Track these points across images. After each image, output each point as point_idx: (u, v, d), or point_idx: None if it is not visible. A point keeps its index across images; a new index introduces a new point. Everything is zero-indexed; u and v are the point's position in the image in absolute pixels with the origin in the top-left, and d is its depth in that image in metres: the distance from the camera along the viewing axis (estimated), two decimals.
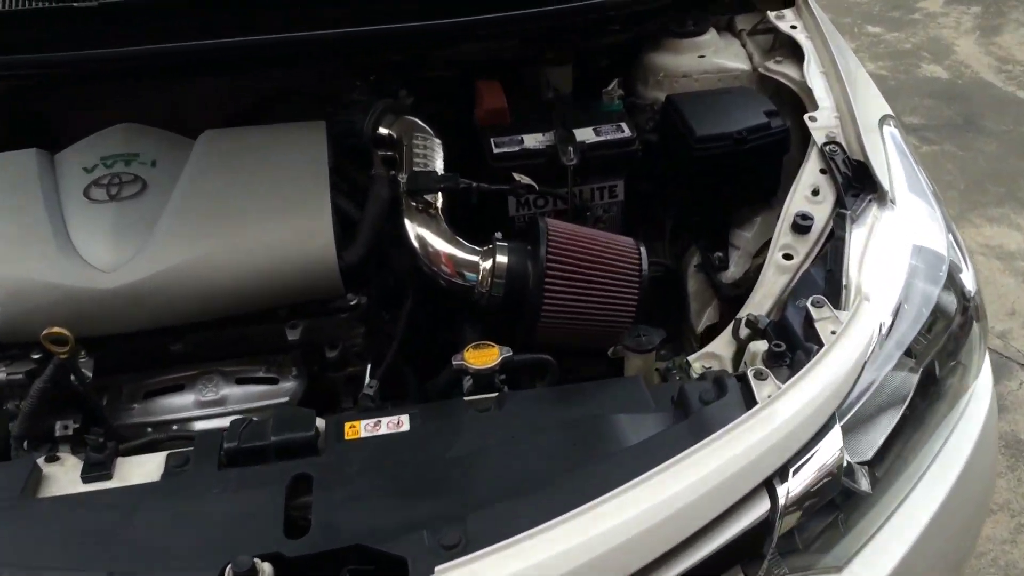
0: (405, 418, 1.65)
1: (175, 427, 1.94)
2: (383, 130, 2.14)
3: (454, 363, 1.74)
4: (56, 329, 1.69)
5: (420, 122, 2.14)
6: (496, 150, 2.11)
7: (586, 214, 2.15)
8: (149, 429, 1.92)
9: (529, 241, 1.96)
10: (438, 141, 2.10)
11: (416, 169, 1.99)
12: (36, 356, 1.81)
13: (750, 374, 1.57)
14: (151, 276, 1.80)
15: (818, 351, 1.58)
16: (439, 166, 2.04)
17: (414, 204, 1.94)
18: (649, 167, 2.26)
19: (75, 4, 2.10)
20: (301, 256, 1.85)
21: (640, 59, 2.45)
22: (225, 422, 1.93)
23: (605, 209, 2.21)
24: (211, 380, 1.97)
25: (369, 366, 2.09)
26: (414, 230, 1.93)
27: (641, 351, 1.80)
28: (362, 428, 1.64)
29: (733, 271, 2.30)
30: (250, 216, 1.88)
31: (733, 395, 1.55)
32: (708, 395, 1.57)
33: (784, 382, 1.55)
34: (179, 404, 1.95)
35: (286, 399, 1.98)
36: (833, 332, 1.62)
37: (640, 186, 2.26)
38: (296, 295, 1.89)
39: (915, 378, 1.78)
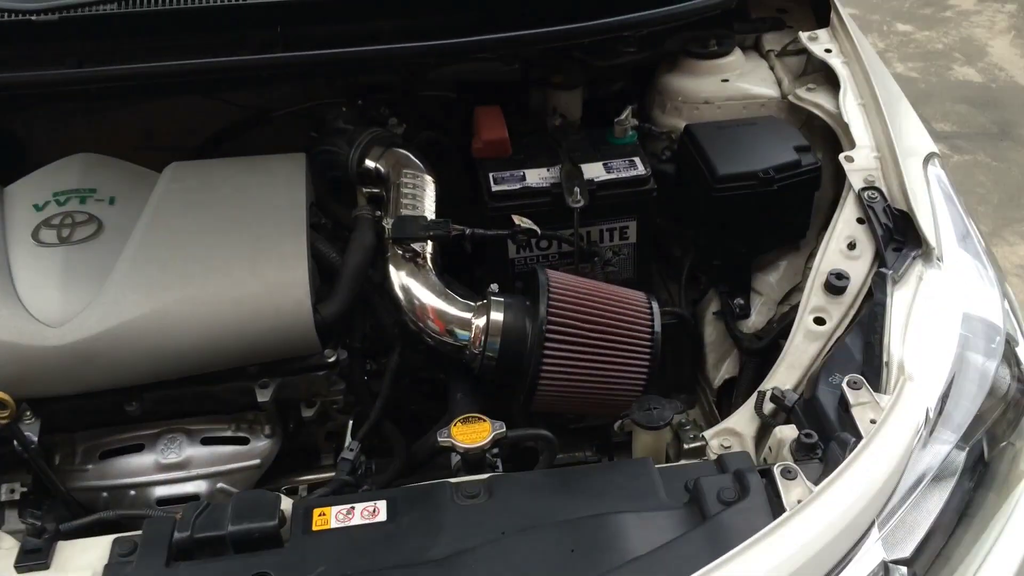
0: (382, 505, 1.45)
1: (132, 492, 1.75)
2: (370, 163, 1.93)
3: (439, 440, 1.54)
4: None
5: (411, 156, 1.93)
6: (495, 187, 1.90)
7: (594, 259, 1.94)
8: (104, 494, 1.74)
9: (528, 294, 1.76)
10: (429, 179, 1.89)
11: (403, 213, 1.78)
12: None
13: (776, 471, 1.36)
14: (104, 332, 1.60)
15: (855, 444, 1.38)
16: (430, 207, 1.83)
17: (400, 252, 1.73)
18: (665, 201, 2.04)
19: (33, 19, 1.89)
20: (273, 311, 1.66)
21: (656, 82, 2.23)
22: (187, 488, 1.78)
23: (615, 252, 2.00)
24: (174, 440, 1.78)
25: (351, 423, 1.91)
26: (399, 281, 1.73)
27: (652, 427, 1.60)
28: (333, 516, 1.44)
29: (755, 320, 2.09)
30: (216, 265, 1.68)
31: (757, 497, 1.34)
32: (728, 494, 1.36)
33: (815, 481, 1.34)
34: (138, 466, 1.76)
35: (257, 461, 1.79)
36: (873, 421, 1.41)
37: (655, 221, 2.05)
38: (267, 353, 1.70)
39: (962, 456, 1.57)
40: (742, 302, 2.07)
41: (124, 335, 1.61)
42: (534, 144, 2.02)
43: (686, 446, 1.98)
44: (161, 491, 1.76)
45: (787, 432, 1.48)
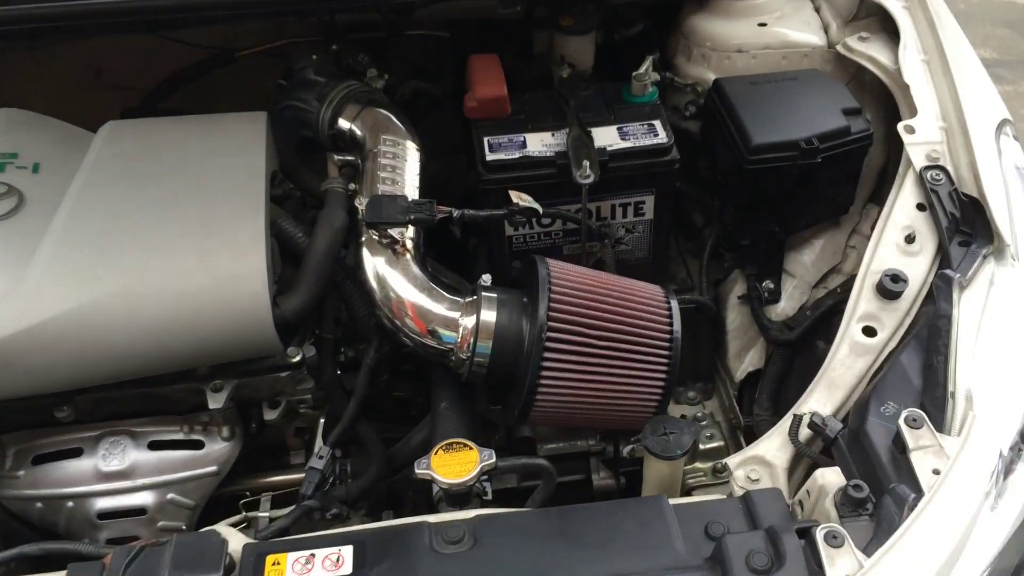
0: (348, 552, 1.23)
1: (70, 504, 1.53)
2: (344, 124, 1.65)
3: (418, 471, 1.31)
4: None
5: (393, 117, 1.64)
6: (490, 155, 1.62)
7: (604, 240, 1.67)
8: (39, 504, 1.53)
9: (525, 286, 1.50)
10: (413, 146, 1.61)
11: (381, 190, 1.51)
12: None
13: (819, 536, 1.12)
14: (23, 331, 1.35)
15: (915, 502, 1.14)
16: (412, 182, 1.56)
17: (376, 237, 1.47)
18: (686, 162, 1.75)
19: None
20: (224, 307, 1.40)
21: (681, 24, 1.92)
22: (133, 499, 1.55)
23: (628, 229, 1.73)
24: (117, 444, 1.55)
25: (322, 421, 1.68)
26: (373, 270, 1.47)
27: (667, 457, 1.36)
28: (289, 567, 1.22)
29: (785, 305, 1.83)
30: (159, 250, 1.41)
31: (794, 567, 1.11)
32: (759, 559, 1.13)
33: (865, 549, 1.12)
34: (76, 474, 1.54)
35: (213, 468, 1.57)
36: (936, 472, 1.17)
37: (674, 194, 1.77)
38: (220, 355, 1.45)
39: None
40: (772, 286, 1.81)
41: (48, 335, 1.36)
42: (537, 101, 1.73)
43: (701, 446, 1.78)
44: (103, 503, 1.54)
45: (830, 478, 1.24)
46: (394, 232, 1.43)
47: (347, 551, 1.22)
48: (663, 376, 1.44)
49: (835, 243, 1.84)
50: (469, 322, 1.44)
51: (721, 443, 1.81)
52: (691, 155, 1.79)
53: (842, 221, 1.84)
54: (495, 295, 1.46)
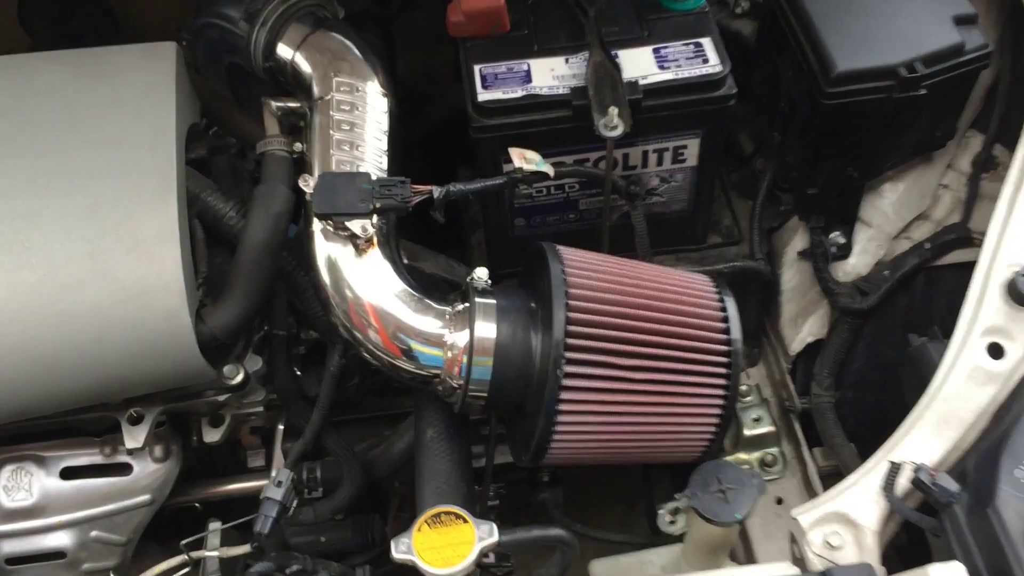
0: None
1: None
2: (284, 52, 1.22)
3: (396, 555, 1.00)
4: None
5: (350, 43, 1.21)
6: (483, 93, 1.20)
7: (634, 200, 1.28)
8: None
9: (531, 288, 1.13)
10: (378, 89, 1.19)
11: (335, 163, 1.11)
12: None
13: None
14: None
15: None
16: (377, 145, 1.15)
17: (330, 227, 1.08)
18: (737, 74, 1.33)
19: None
20: (131, 328, 1.05)
21: None
22: (47, 541, 1.25)
23: (664, 178, 1.33)
24: (21, 473, 1.25)
25: (281, 428, 1.36)
26: (328, 271, 1.09)
27: (720, 523, 1.04)
28: None
29: (857, 261, 1.47)
30: (33, 254, 1.04)
31: None
32: None
33: None
34: None
35: (146, 497, 1.27)
36: None
37: (720, 143, 1.35)
38: (128, 388, 1.11)
39: None
40: (842, 240, 1.44)
41: None
42: (545, 12, 1.29)
43: (747, 432, 1.47)
44: (11, 546, 1.26)
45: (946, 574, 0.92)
46: (354, 225, 1.05)
47: None
48: (720, 401, 1.10)
49: (924, 183, 1.45)
50: (460, 338, 1.08)
51: (771, 428, 1.49)
52: (742, 65, 1.37)
53: (935, 155, 1.44)
54: (494, 300, 1.09)
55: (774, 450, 1.50)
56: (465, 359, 1.08)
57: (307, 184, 1.04)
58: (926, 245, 1.44)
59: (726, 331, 1.12)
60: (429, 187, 1.08)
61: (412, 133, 1.59)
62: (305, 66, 1.19)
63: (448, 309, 1.10)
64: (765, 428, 1.49)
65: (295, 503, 1.28)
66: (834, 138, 1.29)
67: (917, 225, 1.47)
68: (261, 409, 1.27)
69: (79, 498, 1.24)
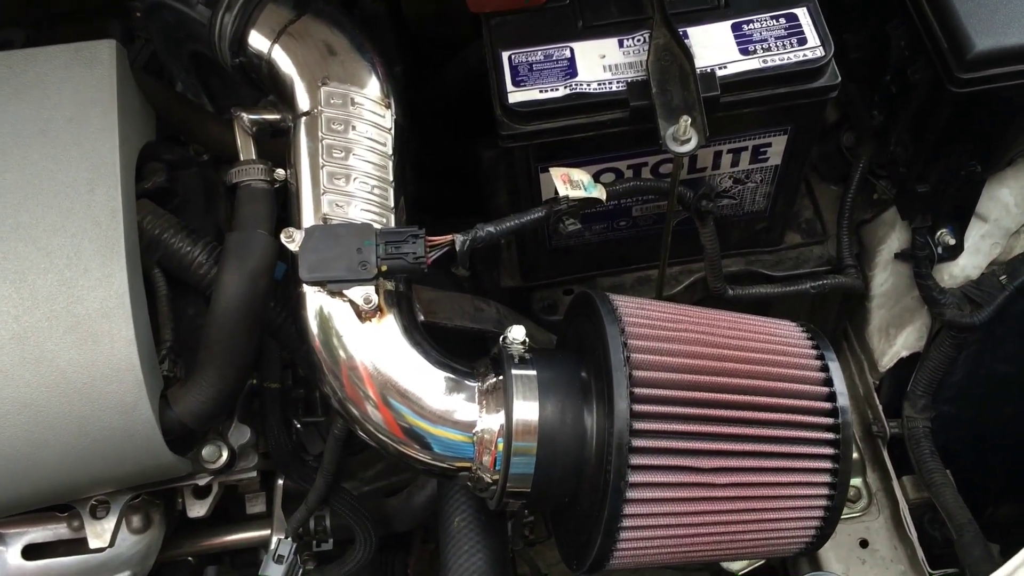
0: None
1: None
2: (257, 43, 0.94)
3: None
4: None
5: (343, 34, 0.93)
6: (514, 93, 0.93)
7: (703, 216, 1.02)
8: None
9: (577, 352, 0.90)
10: (379, 100, 0.92)
11: (326, 208, 0.85)
12: None
13: None
14: None
15: None
16: (379, 178, 0.89)
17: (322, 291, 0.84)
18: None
19: None
20: (75, 429, 0.83)
21: None
22: None
23: (739, 179, 1.07)
24: None
25: (280, 483, 1.15)
26: (323, 344, 0.86)
27: None
28: None
29: (967, 263, 1.21)
30: None
31: None
32: None
33: None
34: None
35: (126, 574, 1.06)
36: None
37: (810, 144, 1.08)
38: (81, 491, 0.90)
39: None
40: (952, 241, 1.18)
41: None
42: None
43: None
44: None
45: None
46: (353, 294, 0.80)
47: None
48: (826, 484, 0.88)
49: None
50: (494, 422, 0.85)
51: (854, 454, 1.28)
52: (834, 18, 1.08)
53: None
54: (535, 372, 0.86)
55: (857, 481, 1.29)
56: (501, 448, 0.85)
57: (292, 241, 0.80)
58: None
59: (830, 396, 0.88)
60: (449, 237, 0.83)
61: (425, 100, 1.33)
62: (286, 65, 0.92)
63: (477, 384, 0.87)
64: None
65: (300, 571, 1.10)
66: (959, 130, 1.02)
67: None
68: (255, 475, 1.06)
69: None
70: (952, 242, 1.19)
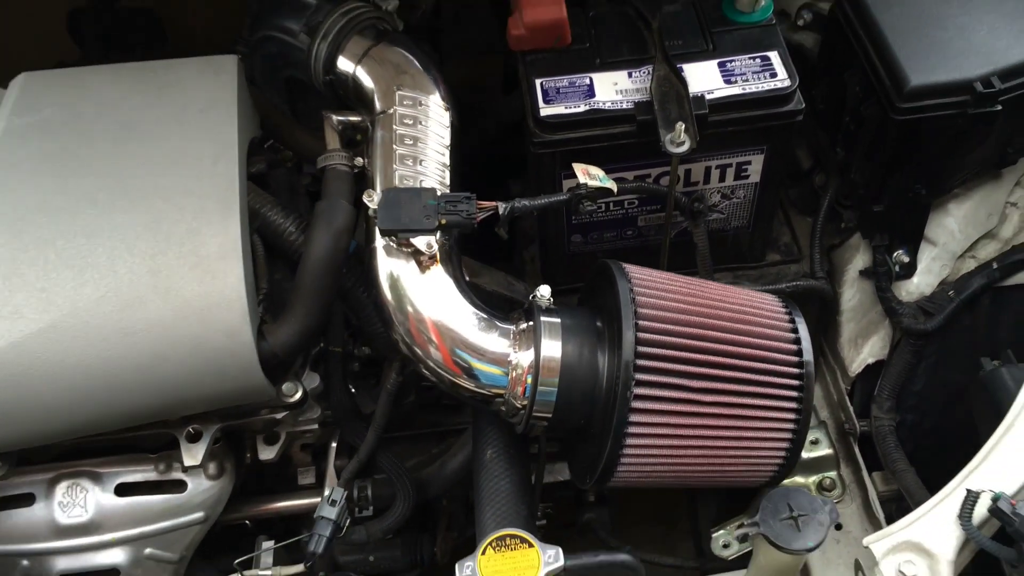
0: None
1: (25, 562, 1.24)
2: (345, 65, 1.20)
3: None
4: None
5: (412, 58, 1.20)
6: (545, 108, 1.18)
7: (697, 218, 1.25)
8: None
9: (595, 306, 1.11)
10: (440, 103, 1.17)
11: (398, 178, 1.09)
12: None
13: None
14: None
15: None
16: (439, 159, 1.13)
17: (393, 243, 1.06)
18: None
19: None
20: (193, 346, 1.04)
21: None
22: (101, 558, 1.24)
23: (726, 194, 1.31)
24: (76, 489, 1.24)
25: (334, 446, 1.34)
26: (390, 286, 1.07)
27: (791, 551, 1.01)
28: None
29: (920, 281, 1.43)
30: (96, 270, 1.03)
31: None
32: None
33: None
34: (28, 527, 1.24)
35: (199, 515, 1.26)
36: None
37: (783, 160, 1.32)
38: (189, 405, 1.10)
39: None
40: (906, 259, 1.40)
41: None
42: (606, 24, 1.27)
43: (805, 455, 1.45)
44: (66, 562, 1.25)
45: None
46: (419, 241, 1.03)
47: None
48: (791, 424, 1.07)
49: (992, 201, 1.41)
50: (525, 358, 1.06)
51: (829, 451, 1.47)
52: (803, 79, 1.34)
53: (1004, 172, 1.40)
54: (559, 319, 1.07)
55: (832, 474, 1.47)
56: (530, 379, 1.06)
57: (371, 199, 1.03)
58: (993, 265, 1.40)
59: (798, 352, 1.09)
60: (494, 203, 1.06)
61: (461, 145, 1.58)
62: (367, 80, 1.18)
63: (512, 327, 1.08)
64: (823, 451, 1.46)
65: (348, 522, 1.27)
66: (904, 155, 1.26)
67: (983, 244, 1.43)
68: (316, 427, 1.25)
69: (134, 515, 1.23)
70: (907, 260, 1.41)
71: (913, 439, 1.48)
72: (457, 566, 0.98)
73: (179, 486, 1.24)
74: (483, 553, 0.98)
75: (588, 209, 1.23)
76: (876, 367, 1.46)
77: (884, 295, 1.41)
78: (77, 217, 1.05)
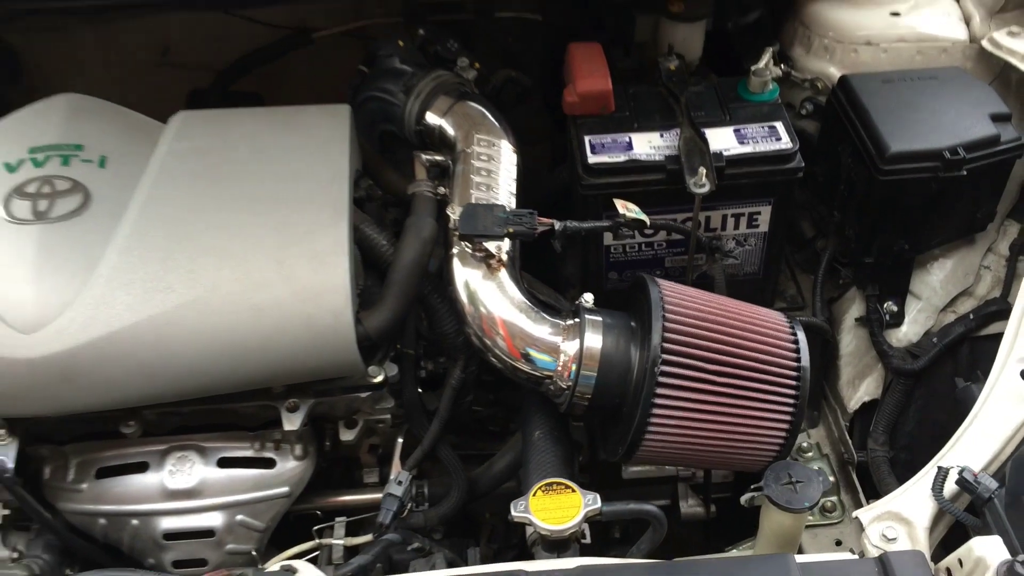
0: None
1: (135, 521, 1.45)
2: (432, 119, 1.50)
3: (514, 514, 1.18)
4: None
5: (487, 113, 1.49)
6: (592, 157, 1.46)
7: (714, 255, 1.51)
8: (102, 520, 1.44)
9: (632, 311, 1.35)
10: (509, 146, 1.46)
11: (474, 196, 1.36)
12: None
13: None
14: (88, 343, 1.25)
15: None
16: (507, 188, 1.41)
17: (468, 249, 1.33)
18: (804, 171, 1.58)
19: None
20: (304, 324, 1.28)
21: (801, 11, 1.74)
22: (201, 520, 1.45)
23: (740, 241, 1.57)
24: (184, 460, 1.45)
25: (400, 442, 1.56)
26: (465, 287, 1.33)
27: (792, 510, 1.21)
28: None
29: (908, 330, 1.66)
30: (234, 258, 1.29)
31: None
32: None
33: None
34: (141, 490, 1.45)
35: (285, 489, 1.47)
36: None
37: (788, 212, 1.59)
38: (295, 375, 1.34)
39: None
40: (895, 308, 1.64)
41: (113, 348, 1.25)
42: (643, 97, 1.57)
43: None
44: (169, 523, 1.45)
45: (989, 549, 1.08)
46: (490, 246, 1.29)
47: None
48: (789, 416, 1.29)
49: (968, 263, 1.66)
50: (571, 348, 1.29)
51: (831, 479, 1.66)
52: (806, 159, 1.62)
53: (977, 238, 1.65)
54: (600, 318, 1.31)
55: (834, 498, 1.66)
56: (574, 366, 1.29)
57: (454, 212, 1.30)
58: (970, 316, 1.62)
59: (797, 356, 1.31)
60: (551, 220, 1.32)
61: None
62: (450, 128, 1.47)
63: (561, 323, 1.32)
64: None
65: (410, 506, 1.47)
66: (888, 212, 1.52)
67: (962, 300, 1.67)
68: (388, 417, 1.47)
69: (231, 484, 1.44)
70: (896, 310, 1.64)
71: (907, 475, 1.67)
72: (512, 504, 1.19)
73: (270, 463, 1.46)
74: (534, 495, 1.19)
75: (620, 245, 1.48)
76: (871, 405, 1.68)
77: (876, 339, 1.64)
78: (220, 218, 1.32)
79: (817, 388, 1.76)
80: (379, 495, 1.51)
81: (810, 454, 1.70)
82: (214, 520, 1.44)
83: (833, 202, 1.66)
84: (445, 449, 1.52)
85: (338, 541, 1.46)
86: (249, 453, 1.46)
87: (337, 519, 1.49)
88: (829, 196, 1.68)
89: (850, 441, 1.68)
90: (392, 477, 1.47)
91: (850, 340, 1.70)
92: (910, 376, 1.61)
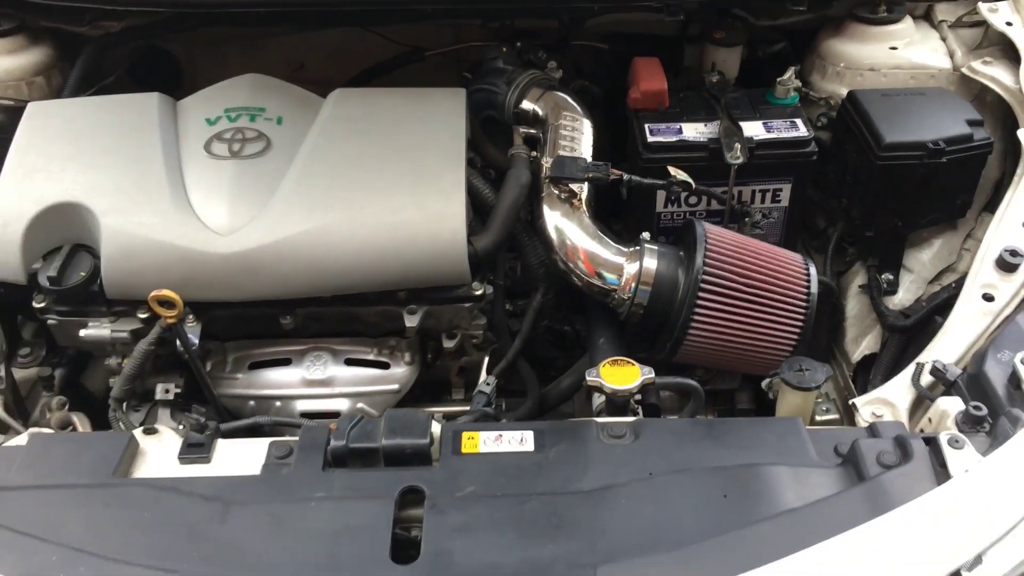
0: (529, 436, 1.45)
1: (278, 404, 1.81)
2: (527, 105, 1.94)
3: (588, 379, 1.55)
4: (165, 292, 1.57)
5: (570, 99, 1.93)
6: (651, 138, 1.88)
7: (744, 219, 1.90)
8: (251, 403, 1.80)
9: (681, 245, 1.74)
10: (588, 123, 1.88)
11: (562, 154, 1.78)
12: (143, 316, 1.69)
13: (943, 440, 1.31)
14: (268, 245, 1.65)
15: None
16: (587, 151, 1.83)
17: (556, 192, 1.73)
18: (817, 170, 1.99)
19: None
20: (429, 239, 1.68)
21: (818, 46, 2.17)
22: (329, 404, 1.82)
23: (765, 214, 1.96)
24: (319, 358, 1.83)
25: (487, 358, 1.93)
26: (553, 221, 1.73)
27: (804, 388, 1.57)
28: (481, 441, 1.45)
29: (902, 297, 2.03)
30: (377, 189, 1.71)
31: (920, 463, 1.30)
32: (888, 458, 1.32)
33: (984, 453, 1.30)
34: (284, 379, 1.81)
35: (396, 387, 1.83)
36: None
37: (810, 185, 2.00)
38: (419, 279, 1.72)
39: None
40: (891, 277, 2.01)
41: (286, 249, 1.65)
42: (691, 99, 1.99)
43: (818, 418, 1.96)
44: (304, 405, 1.81)
45: (951, 404, 1.44)
46: (572, 187, 1.70)
47: (528, 435, 1.44)
48: (799, 325, 1.66)
49: (951, 244, 2.03)
50: (632, 268, 1.68)
51: (836, 416, 2.00)
52: (819, 162, 2.02)
53: (959, 225, 2.03)
54: (656, 247, 1.70)
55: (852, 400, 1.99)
56: (634, 283, 1.68)
57: (547, 161, 1.71)
58: (952, 285, 1.98)
59: (807, 282, 1.69)
60: (621, 172, 1.73)
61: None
62: (541, 111, 1.91)
63: (626, 250, 1.71)
64: (832, 416, 2.00)
65: (493, 405, 1.83)
66: (884, 192, 1.91)
67: (946, 274, 2.03)
68: (481, 333, 1.84)
69: (354, 379, 1.81)
70: (892, 278, 2.02)
71: None
72: (586, 373, 1.55)
73: (385, 365, 1.83)
74: (603, 367, 1.56)
75: (675, 193, 1.88)
76: (871, 358, 2.03)
77: (875, 303, 2.01)
78: (366, 162, 1.74)
79: (826, 348, 2.12)
80: (466, 408, 1.88)
81: (820, 399, 2.05)
82: (340, 405, 1.80)
83: (841, 192, 2.05)
84: (524, 365, 1.89)
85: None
86: (370, 356, 1.83)
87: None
88: (838, 189, 2.07)
89: (854, 388, 2.03)
90: (480, 380, 1.83)
91: (854, 305, 2.07)
92: (903, 332, 1.97)
